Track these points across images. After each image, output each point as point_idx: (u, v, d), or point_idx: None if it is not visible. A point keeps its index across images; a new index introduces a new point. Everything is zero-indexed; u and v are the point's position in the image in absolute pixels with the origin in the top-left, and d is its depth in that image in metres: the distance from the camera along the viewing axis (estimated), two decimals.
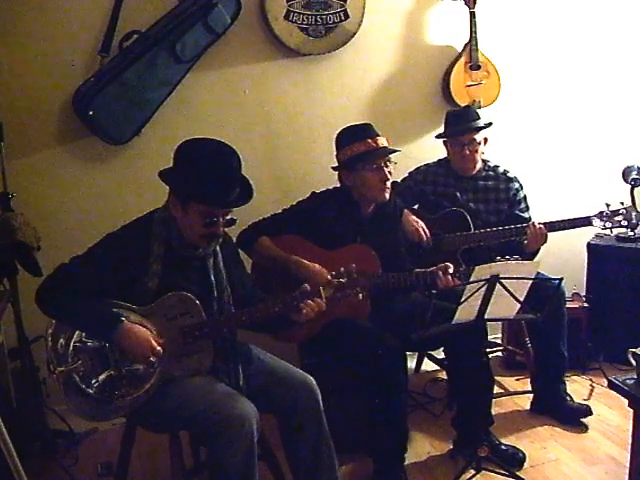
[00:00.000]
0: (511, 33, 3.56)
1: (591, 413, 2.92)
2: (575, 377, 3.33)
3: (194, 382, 2.05)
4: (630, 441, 2.15)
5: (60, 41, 2.90)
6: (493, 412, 2.79)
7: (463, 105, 3.31)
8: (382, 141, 2.59)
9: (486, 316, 2.32)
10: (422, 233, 2.88)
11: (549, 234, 2.83)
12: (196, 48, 3.00)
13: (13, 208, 2.66)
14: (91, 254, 2.05)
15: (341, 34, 3.23)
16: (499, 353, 3.58)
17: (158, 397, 2.02)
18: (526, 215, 3.06)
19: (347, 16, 3.21)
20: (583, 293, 3.51)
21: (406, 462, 2.59)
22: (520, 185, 3.09)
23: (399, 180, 3.14)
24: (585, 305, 3.41)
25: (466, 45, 3.42)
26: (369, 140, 2.57)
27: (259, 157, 3.24)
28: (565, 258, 3.57)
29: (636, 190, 3.27)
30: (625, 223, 2.84)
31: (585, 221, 2.87)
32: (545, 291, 2.43)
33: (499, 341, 3.61)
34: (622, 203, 2.88)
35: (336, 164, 2.68)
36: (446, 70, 3.48)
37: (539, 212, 3.15)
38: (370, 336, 2.49)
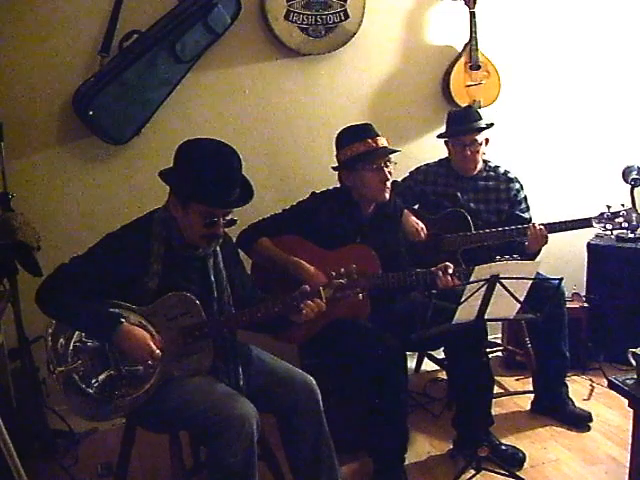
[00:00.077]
0: (511, 33, 3.56)
1: (591, 420, 2.92)
2: (575, 377, 3.33)
3: (194, 382, 2.05)
4: (630, 441, 2.15)
5: (60, 41, 2.90)
6: (493, 412, 2.79)
7: (464, 105, 3.31)
8: (382, 141, 2.59)
9: (486, 316, 2.32)
10: (422, 235, 2.88)
11: (549, 235, 2.83)
12: (196, 48, 3.00)
13: (13, 208, 2.66)
14: (91, 254, 2.05)
15: (341, 34, 3.23)
16: (499, 353, 3.58)
17: (158, 397, 2.02)
18: (527, 216, 3.06)
19: (347, 16, 3.21)
20: (583, 293, 3.52)
21: (406, 462, 2.59)
22: (521, 185, 3.09)
23: (399, 180, 3.15)
24: (585, 305, 3.42)
25: (466, 45, 3.42)
26: (369, 140, 2.56)
27: (259, 157, 3.24)
28: (565, 258, 3.57)
29: (636, 190, 3.28)
30: (625, 225, 2.83)
31: (585, 223, 2.87)
32: (545, 291, 2.43)
33: (499, 341, 3.61)
34: (623, 205, 2.89)
35: (336, 164, 2.68)
36: (446, 70, 3.48)
37: (539, 212, 3.16)
38: (370, 336, 2.49)
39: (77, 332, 2.01)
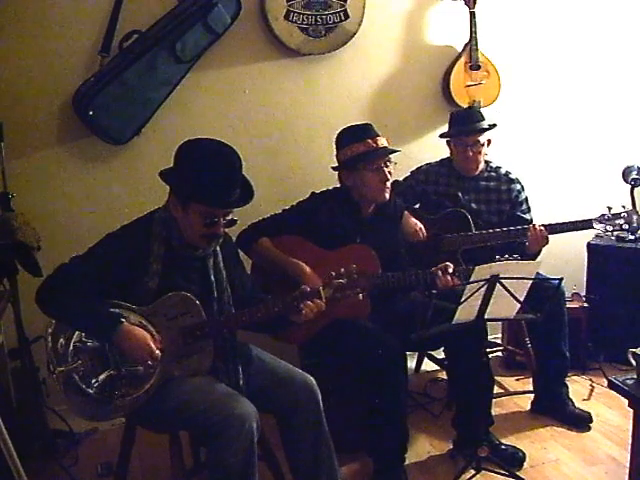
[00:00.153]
0: (511, 33, 3.56)
1: (591, 420, 2.92)
2: (575, 377, 3.33)
3: (194, 382, 2.05)
4: (630, 441, 2.16)
5: (60, 41, 2.90)
6: (493, 412, 2.80)
7: (465, 105, 3.31)
8: (382, 141, 2.59)
9: (486, 316, 2.33)
10: (420, 236, 2.88)
11: (549, 236, 2.83)
12: (196, 48, 3.00)
13: (13, 208, 2.66)
14: (91, 254, 2.05)
15: (341, 34, 3.23)
16: (499, 353, 3.58)
17: (158, 397, 2.02)
18: (528, 217, 3.06)
19: (347, 16, 3.21)
20: (583, 293, 3.51)
21: (406, 462, 2.59)
22: (522, 187, 3.09)
23: (401, 179, 3.15)
24: (585, 305, 3.42)
25: (466, 45, 3.42)
26: (369, 140, 2.57)
27: (259, 157, 3.23)
28: (565, 258, 3.57)
29: (636, 190, 3.28)
30: (626, 226, 2.83)
31: (586, 224, 2.86)
32: (545, 291, 2.43)
33: (499, 341, 3.61)
34: (624, 206, 2.89)
35: (336, 164, 2.68)
36: (446, 70, 3.48)
37: (539, 211, 3.16)
38: (370, 336, 2.49)
39: (77, 332, 2.01)
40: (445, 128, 3.17)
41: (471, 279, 2.21)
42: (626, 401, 2.12)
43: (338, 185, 2.73)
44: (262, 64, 3.21)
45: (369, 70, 3.39)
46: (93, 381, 1.99)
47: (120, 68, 2.88)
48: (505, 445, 2.69)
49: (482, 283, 2.21)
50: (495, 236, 2.89)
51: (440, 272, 2.48)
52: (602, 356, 3.43)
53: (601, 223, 2.84)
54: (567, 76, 3.71)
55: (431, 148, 3.36)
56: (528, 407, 3.10)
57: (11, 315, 2.67)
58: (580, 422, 2.91)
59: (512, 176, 3.09)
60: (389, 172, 2.59)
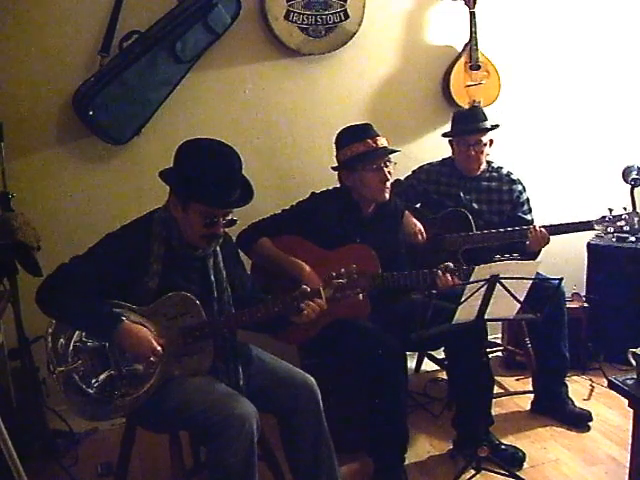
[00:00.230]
0: (511, 33, 3.56)
1: (591, 419, 2.92)
2: (575, 377, 3.33)
3: (194, 382, 2.05)
4: (630, 441, 2.15)
5: (60, 41, 2.90)
6: (493, 412, 2.80)
7: (465, 105, 3.31)
8: (382, 141, 2.59)
9: (486, 316, 2.32)
10: (419, 237, 2.88)
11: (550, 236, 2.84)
12: (196, 48, 3.00)
13: (13, 208, 2.66)
14: (91, 254, 2.05)
15: (341, 34, 3.23)
16: (499, 353, 3.59)
17: (158, 397, 2.02)
18: (529, 217, 3.06)
19: (347, 16, 3.21)
20: (583, 293, 3.51)
21: (406, 462, 2.59)
22: (523, 187, 3.09)
23: (402, 178, 3.15)
24: (585, 305, 3.42)
25: (466, 45, 3.42)
26: (369, 140, 2.57)
27: (259, 157, 3.24)
28: (565, 258, 3.57)
29: (636, 190, 3.28)
30: (627, 228, 2.83)
31: (587, 225, 2.87)
32: (545, 291, 2.43)
33: (499, 341, 3.61)
34: (625, 208, 2.89)
35: (336, 164, 2.68)
36: (446, 70, 3.48)
37: (538, 210, 3.16)
38: (370, 336, 2.49)
39: (77, 332, 2.01)
40: (445, 128, 3.18)
41: (471, 279, 2.21)
42: (626, 401, 2.12)
43: (338, 185, 2.73)
44: (262, 64, 3.21)
45: (369, 70, 3.39)
46: (93, 381, 1.99)
47: (120, 68, 2.88)
48: (505, 445, 2.69)
49: (482, 283, 2.21)
50: (496, 236, 2.89)
51: (440, 272, 2.48)
52: (602, 356, 3.43)
53: (602, 225, 2.85)
54: (567, 76, 3.71)
55: (431, 148, 3.37)
56: (528, 407, 3.10)
57: (11, 315, 2.67)
58: (580, 421, 2.91)
59: (514, 177, 3.09)
60: (389, 172, 2.59)
